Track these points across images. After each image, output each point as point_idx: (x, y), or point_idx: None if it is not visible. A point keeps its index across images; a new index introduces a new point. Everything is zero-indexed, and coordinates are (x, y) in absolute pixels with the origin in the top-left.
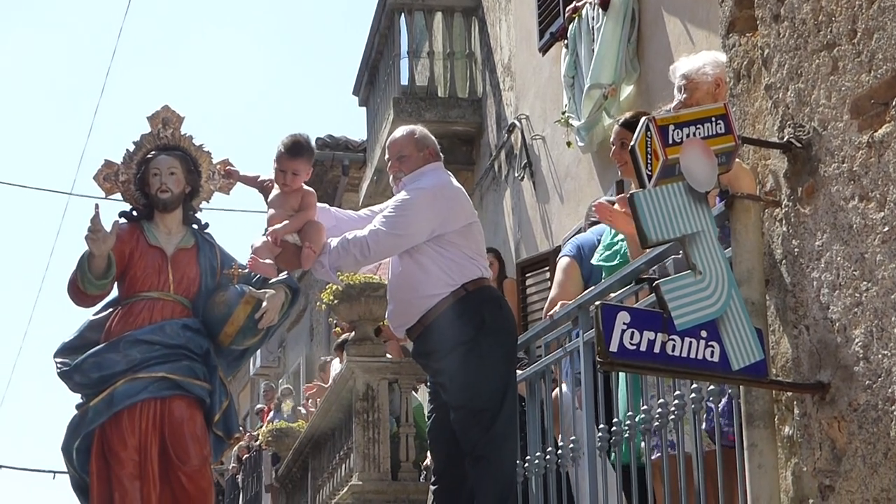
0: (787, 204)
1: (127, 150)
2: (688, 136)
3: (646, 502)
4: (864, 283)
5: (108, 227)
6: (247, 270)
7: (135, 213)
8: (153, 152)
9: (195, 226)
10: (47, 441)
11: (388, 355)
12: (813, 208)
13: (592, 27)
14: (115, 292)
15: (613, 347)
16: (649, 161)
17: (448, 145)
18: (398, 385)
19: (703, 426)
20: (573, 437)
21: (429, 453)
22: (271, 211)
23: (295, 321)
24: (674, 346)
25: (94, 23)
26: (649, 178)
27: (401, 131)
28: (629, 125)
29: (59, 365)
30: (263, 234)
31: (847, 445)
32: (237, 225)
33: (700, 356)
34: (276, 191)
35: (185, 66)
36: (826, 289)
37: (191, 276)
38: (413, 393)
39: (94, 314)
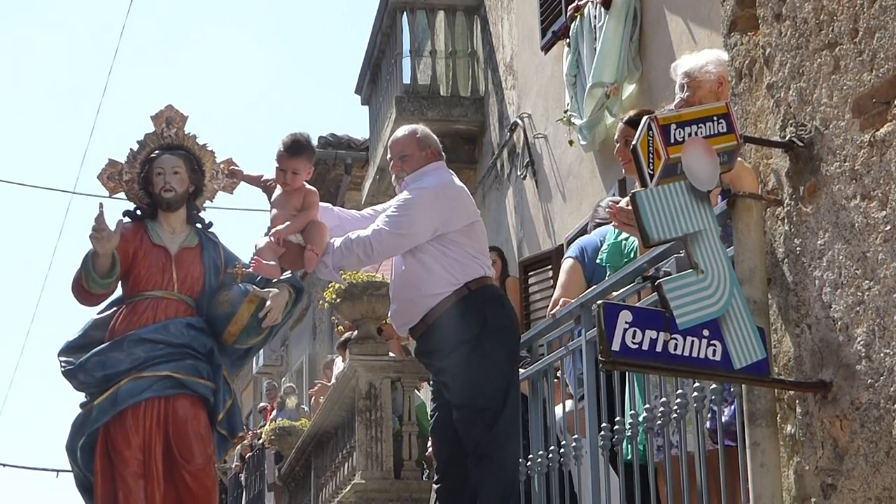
0: (789, 203)
1: (131, 149)
2: (689, 135)
3: (648, 501)
4: (866, 281)
5: (112, 226)
6: (250, 270)
7: (138, 212)
8: (157, 151)
9: (199, 225)
10: (50, 440)
11: (391, 354)
12: (815, 207)
13: (594, 26)
14: (119, 291)
15: (616, 346)
16: (651, 160)
17: (450, 144)
18: (401, 384)
19: (707, 425)
20: (575, 436)
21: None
22: (274, 211)
23: (298, 319)
24: (676, 345)
25: (96, 22)
26: (651, 177)
27: (403, 131)
28: (633, 123)
29: (63, 363)
30: (265, 235)
31: (849, 444)
32: (240, 224)
33: (702, 355)
34: (278, 190)
35: (187, 65)
36: (828, 288)
37: (194, 275)
38: (416, 391)
39: (99, 313)
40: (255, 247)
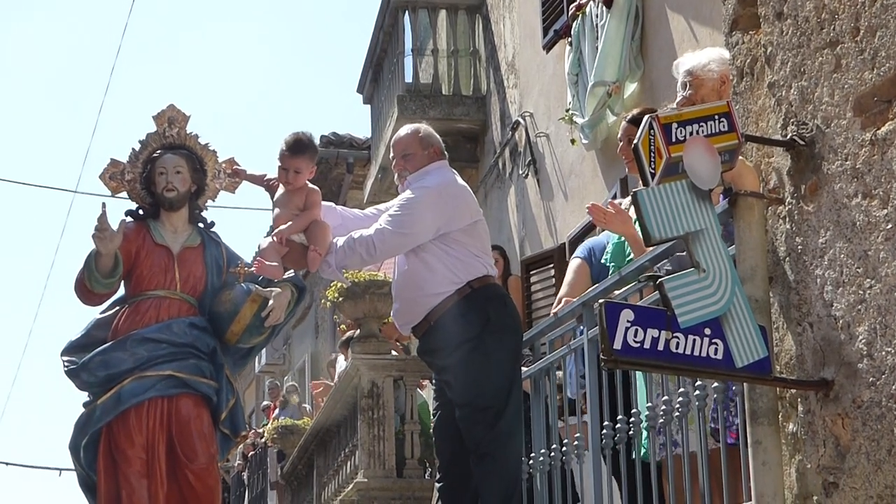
0: (791, 201)
1: (133, 148)
2: (691, 133)
3: (650, 500)
4: (868, 280)
5: (114, 225)
6: (253, 269)
7: (141, 211)
8: (159, 151)
9: (201, 224)
10: (53, 439)
11: (393, 353)
12: (816, 206)
13: (596, 24)
14: (121, 291)
15: (617, 345)
16: (653, 159)
17: (452, 143)
18: (403, 382)
19: (714, 425)
20: (577, 435)
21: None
22: (277, 210)
23: (300, 318)
24: (677, 343)
25: (98, 21)
26: (653, 176)
27: (405, 130)
28: (636, 121)
29: (66, 363)
30: (268, 235)
31: (851, 442)
32: (242, 223)
33: (704, 354)
34: (281, 190)
35: (189, 64)
36: (829, 286)
37: (197, 274)
38: (418, 390)
39: (101, 312)
40: (258, 247)
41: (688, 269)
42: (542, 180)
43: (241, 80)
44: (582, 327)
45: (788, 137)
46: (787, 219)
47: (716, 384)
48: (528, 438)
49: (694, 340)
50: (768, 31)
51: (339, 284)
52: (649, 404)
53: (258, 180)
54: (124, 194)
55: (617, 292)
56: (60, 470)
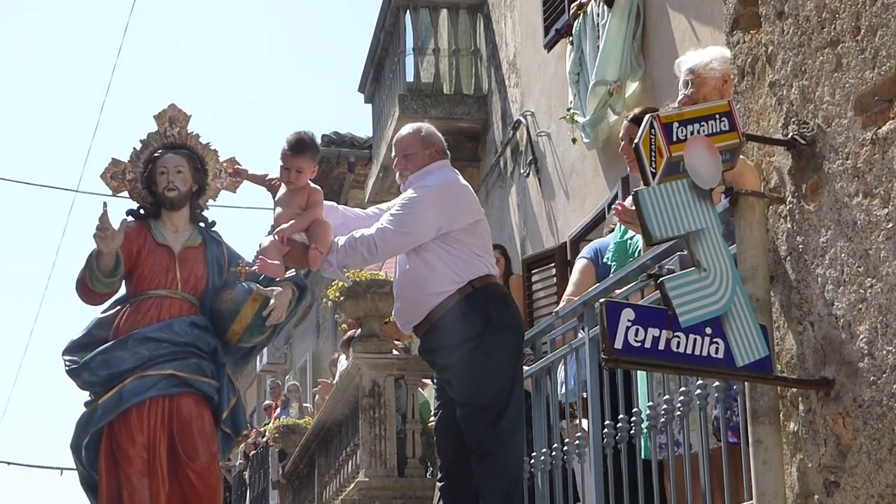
0: (792, 200)
1: (134, 148)
2: (692, 133)
3: (652, 498)
4: (869, 279)
5: (115, 225)
6: (254, 268)
7: (142, 211)
8: (160, 151)
9: (202, 224)
10: (54, 438)
11: (395, 352)
12: (817, 205)
13: (597, 24)
14: (123, 290)
15: (618, 344)
16: (653, 158)
17: (453, 142)
18: (404, 381)
19: (715, 424)
20: (579, 434)
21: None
22: (278, 209)
23: (301, 317)
24: (678, 342)
25: (100, 21)
26: (653, 175)
27: (407, 129)
28: (638, 121)
29: (67, 362)
30: (269, 234)
31: (852, 441)
32: (244, 223)
33: (705, 353)
34: (283, 189)
35: (190, 64)
36: (830, 285)
37: (198, 273)
38: (419, 390)
39: (103, 312)
40: (260, 246)
41: (689, 269)
42: (544, 179)
43: (242, 79)
44: (584, 325)
45: (789, 137)
46: (788, 218)
47: (717, 383)
48: (529, 438)
49: (695, 340)
50: (769, 31)
51: (341, 283)
52: (650, 403)
53: (259, 180)
54: (125, 194)
55: (618, 291)
56: (62, 469)
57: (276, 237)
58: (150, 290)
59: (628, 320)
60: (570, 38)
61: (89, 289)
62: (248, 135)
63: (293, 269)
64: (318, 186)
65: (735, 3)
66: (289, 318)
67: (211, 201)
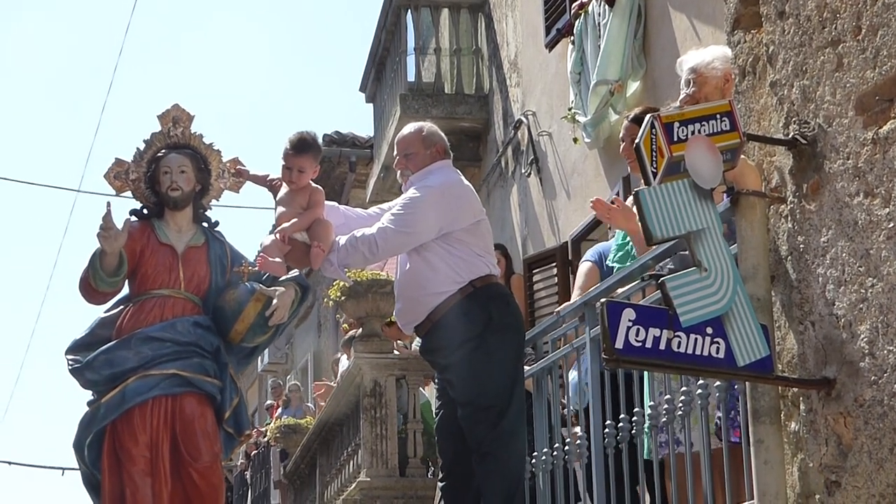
0: (793, 200)
1: (137, 148)
2: (693, 133)
3: (654, 497)
4: (870, 279)
5: (119, 224)
6: (257, 268)
7: (145, 211)
8: (163, 150)
9: (205, 224)
10: (56, 438)
11: (396, 352)
12: (818, 205)
13: (599, 23)
14: (126, 290)
15: (619, 344)
16: (654, 158)
17: (455, 142)
18: (406, 381)
19: (717, 423)
20: (581, 433)
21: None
22: (280, 209)
23: (303, 317)
24: (679, 342)
25: (101, 20)
26: (654, 175)
27: (409, 128)
28: (638, 121)
29: (70, 362)
30: (271, 233)
31: (853, 441)
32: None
33: (706, 353)
34: (284, 189)
35: (192, 64)
36: (831, 285)
37: (201, 273)
38: (420, 389)
39: (106, 311)
40: (261, 244)
41: (689, 269)
42: (545, 179)
43: (244, 79)
44: (586, 325)
45: (790, 136)
46: (789, 218)
47: (718, 383)
48: (530, 438)
49: (696, 339)
50: (770, 30)
51: (342, 283)
52: (651, 403)
53: (261, 180)
54: (128, 193)
55: (620, 290)
56: (63, 469)
57: (277, 236)
58: (154, 289)
59: (629, 320)
60: (572, 38)
61: (93, 288)
62: (249, 135)
63: (296, 270)
64: (319, 186)
65: (736, 2)
66: (291, 319)
67: (214, 201)
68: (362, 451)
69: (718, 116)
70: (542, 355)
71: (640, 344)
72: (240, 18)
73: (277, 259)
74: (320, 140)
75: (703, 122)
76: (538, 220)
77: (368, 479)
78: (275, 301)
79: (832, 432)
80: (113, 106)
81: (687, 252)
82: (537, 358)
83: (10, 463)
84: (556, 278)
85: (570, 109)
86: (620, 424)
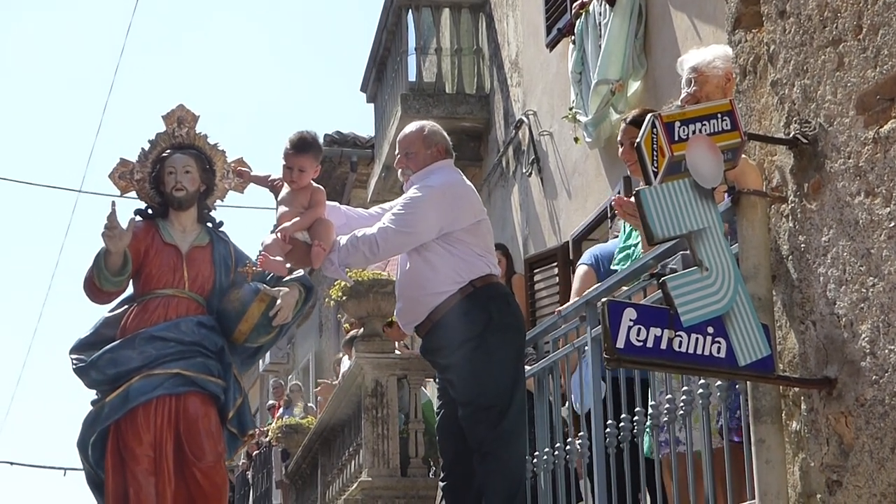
0: (794, 200)
1: (142, 148)
2: (693, 132)
3: (655, 497)
4: (871, 278)
5: (123, 224)
6: (258, 267)
7: (150, 211)
8: (168, 151)
9: (210, 224)
10: (58, 438)
11: (397, 351)
12: (819, 204)
13: (599, 23)
14: (130, 289)
15: (620, 344)
16: (655, 158)
17: (456, 141)
18: (407, 381)
19: (718, 423)
20: (582, 433)
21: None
22: (281, 209)
23: (304, 317)
24: (680, 342)
25: (102, 20)
26: (655, 174)
27: (411, 127)
28: (636, 123)
29: (74, 361)
30: (273, 232)
31: (854, 440)
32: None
33: (707, 352)
34: (285, 189)
35: (193, 64)
36: (833, 284)
37: (205, 273)
38: (423, 389)
39: (110, 311)
40: (262, 244)
41: (691, 268)
42: (546, 179)
43: (245, 79)
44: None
45: (791, 136)
46: (790, 217)
47: (719, 383)
48: (531, 437)
49: (697, 339)
50: (771, 30)
51: (343, 283)
52: (653, 402)
53: (262, 181)
54: (131, 193)
55: (624, 289)
56: (65, 469)
57: (278, 235)
58: (158, 289)
59: (630, 320)
60: (573, 38)
61: (97, 287)
62: (250, 134)
63: (301, 270)
64: (320, 186)
65: (737, 1)
66: (295, 319)
67: (218, 202)
68: (364, 450)
69: (719, 116)
70: (544, 355)
71: (641, 343)
72: (241, 18)
73: (278, 258)
74: (321, 140)
75: (704, 122)
76: (539, 219)
77: (370, 478)
78: (278, 301)
79: (833, 432)
80: (114, 106)
81: (688, 251)
82: (538, 358)
83: (11, 463)
84: (557, 278)
85: (570, 109)
86: (622, 424)
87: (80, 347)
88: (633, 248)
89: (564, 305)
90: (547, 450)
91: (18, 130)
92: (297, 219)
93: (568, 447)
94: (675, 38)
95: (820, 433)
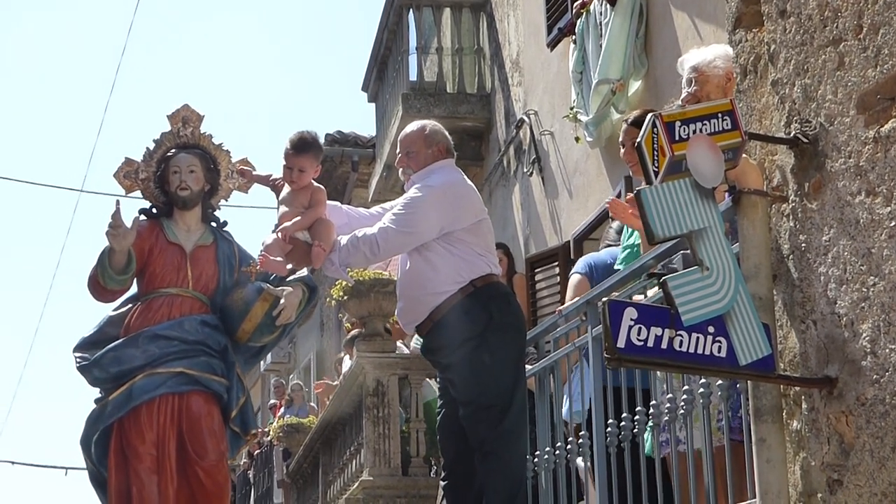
0: (794, 199)
1: (147, 148)
2: (694, 132)
3: (656, 496)
4: (871, 277)
5: (127, 223)
6: (259, 267)
7: (154, 210)
8: (173, 150)
9: (214, 223)
10: (59, 438)
11: (401, 350)
12: (820, 203)
13: (600, 22)
14: (134, 288)
15: (621, 343)
16: (656, 157)
17: (457, 141)
18: (408, 380)
19: (721, 422)
20: (583, 432)
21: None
22: (282, 209)
23: (306, 316)
24: (681, 341)
25: (104, 19)
26: (656, 174)
27: (412, 126)
28: (637, 124)
29: (78, 359)
30: (273, 232)
31: (855, 440)
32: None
33: (707, 352)
34: (286, 189)
35: (194, 63)
36: (833, 284)
37: (209, 273)
38: (428, 382)
39: (114, 310)
40: (263, 243)
41: (691, 268)
42: (547, 178)
43: (246, 78)
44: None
45: (792, 135)
46: (791, 216)
47: (720, 382)
48: (532, 436)
49: (697, 338)
50: (772, 29)
51: (344, 283)
52: (654, 402)
53: (264, 180)
54: (135, 192)
55: (630, 285)
56: (66, 469)
57: (279, 235)
58: (162, 288)
59: (631, 319)
60: (573, 37)
61: (101, 286)
62: (251, 134)
63: (304, 269)
64: (321, 185)
65: (737, 1)
66: (298, 319)
67: (222, 201)
68: (365, 450)
69: (720, 115)
70: (544, 354)
71: (641, 343)
72: (242, 18)
73: (279, 258)
74: (321, 139)
75: (704, 121)
76: (540, 219)
77: (371, 478)
78: (282, 301)
79: (834, 431)
80: (115, 105)
81: (689, 251)
82: (539, 357)
83: (13, 462)
84: (558, 277)
85: (571, 108)
86: (623, 424)
87: (84, 346)
88: (635, 247)
89: (565, 305)
90: (548, 449)
91: (20, 130)
92: (298, 218)
93: (569, 447)
94: (675, 37)
95: (821, 432)
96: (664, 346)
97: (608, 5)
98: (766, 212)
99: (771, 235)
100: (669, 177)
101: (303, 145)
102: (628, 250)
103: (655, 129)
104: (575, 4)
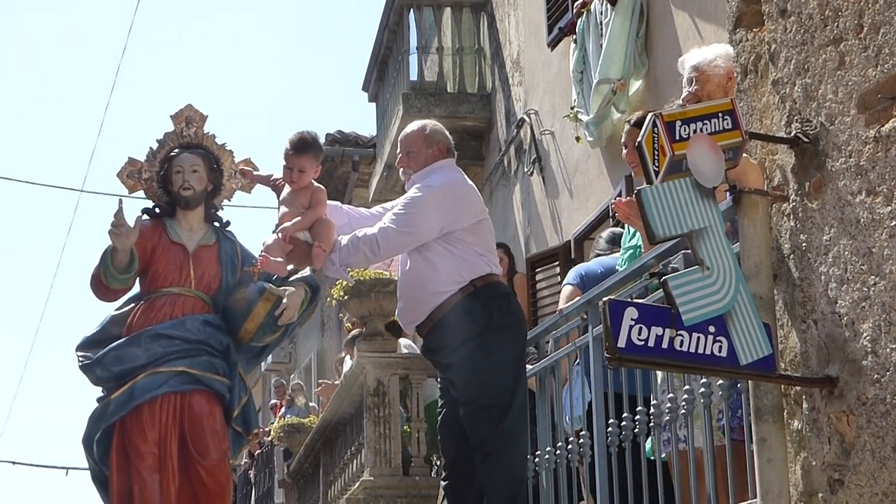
0: (795, 199)
1: (150, 147)
2: (695, 131)
3: (656, 496)
4: (872, 277)
5: (130, 222)
6: (260, 267)
7: (157, 209)
8: (176, 150)
9: (216, 223)
10: (60, 438)
11: (401, 350)
12: (820, 203)
13: (601, 22)
14: (136, 288)
15: (621, 343)
16: (656, 157)
17: (457, 141)
18: (409, 380)
19: (721, 422)
20: (584, 432)
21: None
22: (282, 209)
23: (307, 316)
24: (682, 341)
25: (104, 19)
26: (656, 174)
27: (412, 126)
28: (639, 124)
29: (80, 358)
30: (274, 232)
31: (856, 439)
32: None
33: (708, 351)
34: (286, 189)
35: (194, 63)
36: (834, 283)
37: (212, 272)
38: (432, 381)
39: (116, 309)
40: (263, 244)
41: (692, 267)
42: (548, 178)
43: (246, 78)
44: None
45: (792, 135)
46: (792, 216)
47: (720, 382)
48: (533, 436)
49: (698, 338)
50: (772, 29)
51: (345, 283)
52: (655, 402)
53: (265, 180)
54: (138, 192)
55: (631, 285)
56: (67, 469)
57: (279, 235)
58: (164, 287)
59: (631, 319)
60: (574, 37)
61: (104, 285)
62: (251, 134)
63: (306, 269)
64: (321, 185)
65: (738, 1)
66: (301, 318)
67: (225, 201)
68: (366, 450)
69: (720, 115)
70: (545, 354)
71: (642, 343)
72: (242, 18)
73: (279, 259)
74: (321, 139)
75: (705, 121)
76: (541, 218)
77: (372, 478)
78: (284, 301)
79: (835, 431)
80: (116, 105)
81: (689, 250)
82: (540, 357)
83: (14, 462)
84: (558, 277)
85: (572, 108)
86: (623, 423)
87: (87, 345)
88: (637, 248)
89: (565, 305)
90: (549, 449)
91: (20, 130)
92: (298, 219)
93: (570, 447)
94: (676, 37)
95: (821, 432)
96: (665, 345)
97: (609, 5)
98: (767, 211)
99: (771, 235)
100: (670, 176)
101: (303, 146)
102: (630, 251)
103: (656, 129)
104: (575, 4)
